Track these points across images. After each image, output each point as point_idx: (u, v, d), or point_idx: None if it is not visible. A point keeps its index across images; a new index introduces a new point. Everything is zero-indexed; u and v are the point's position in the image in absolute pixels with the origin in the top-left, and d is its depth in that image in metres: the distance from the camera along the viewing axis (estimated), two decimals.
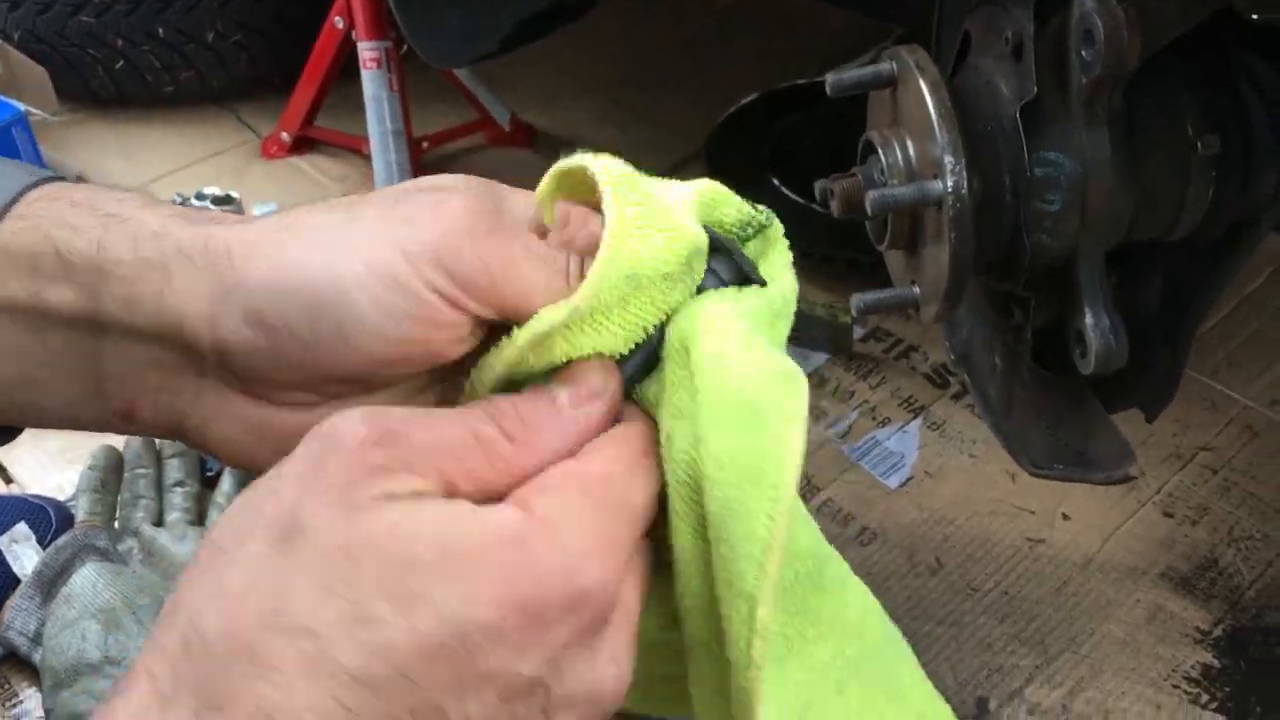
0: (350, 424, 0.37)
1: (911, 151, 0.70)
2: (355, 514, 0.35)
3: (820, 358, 1.23)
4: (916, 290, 0.73)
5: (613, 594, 0.38)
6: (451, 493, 0.37)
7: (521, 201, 0.43)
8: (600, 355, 0.42)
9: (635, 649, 0.39)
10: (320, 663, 0.33)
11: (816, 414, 1.17)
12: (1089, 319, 0.70)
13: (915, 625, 0.98)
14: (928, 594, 1.01)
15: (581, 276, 0.41)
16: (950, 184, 0.66)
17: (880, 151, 0.71)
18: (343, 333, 0.39)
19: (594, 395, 0.41)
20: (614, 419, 0.41)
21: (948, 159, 0.67)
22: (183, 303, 0.40)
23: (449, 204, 0.40)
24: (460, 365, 0.42)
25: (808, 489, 1.10)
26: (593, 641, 0.37)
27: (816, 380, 1.21)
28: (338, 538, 0.35)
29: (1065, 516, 1.07)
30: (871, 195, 0.68)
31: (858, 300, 0.73)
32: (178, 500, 1.03)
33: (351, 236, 0.39)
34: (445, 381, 0.44)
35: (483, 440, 0.38)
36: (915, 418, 1.17)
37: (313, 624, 0.34)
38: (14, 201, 0.41)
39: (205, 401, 0.42)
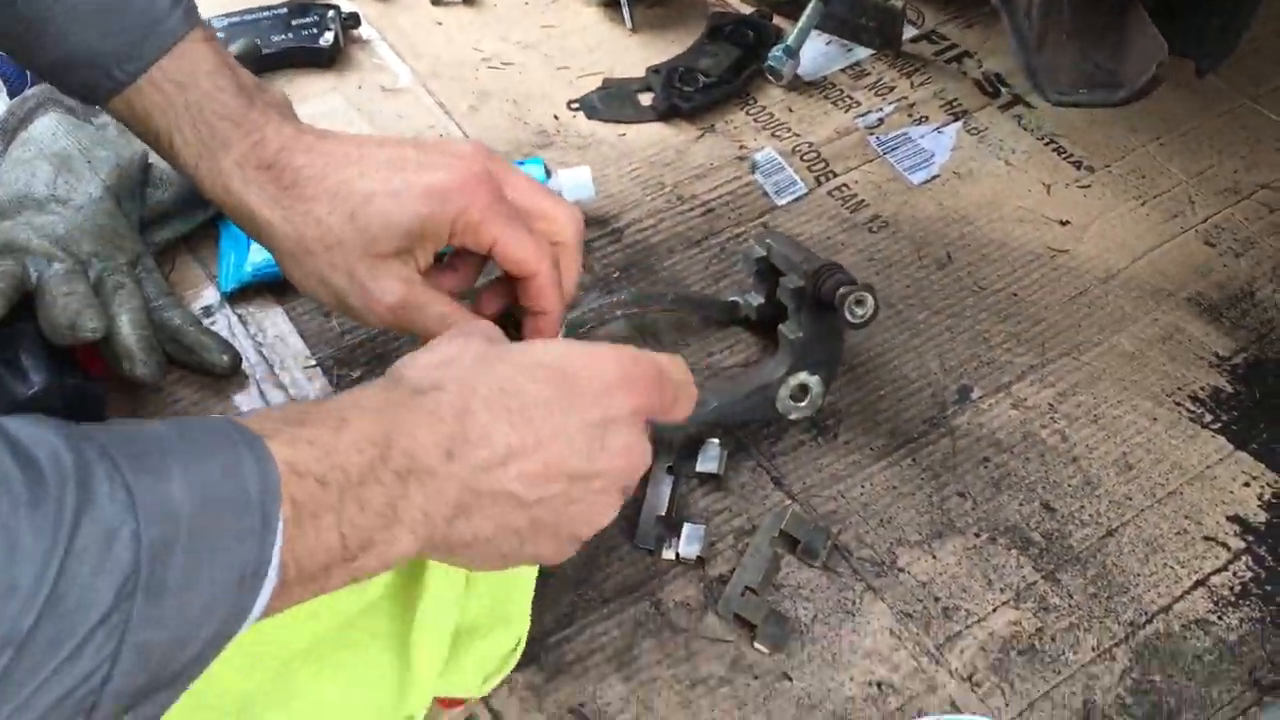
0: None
1: None
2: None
3: (864, 52, 1.13)
4: None
5: None
6: None
7: (513, 180, 0.68)
8: None
9: None
10: None
11: (848, 104, 1.09)
12: None
13: (910, 312, 0.92)
14: (930, 285, 0.94)
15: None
16: None
17: None
18: (367, 232, 0.64)
19: None
20: None
21: None
22: (257, 200, 0.66)
23: (447, 170, 0.64)
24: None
25: (824, 172, 1.02)
26: None
27: (856, 73, 1.11)
28: None
29: (1098, 233, 0.98)
30: None
31: None
32: None
33: (380, 176, 0.64)
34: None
35: None
36: (956, 121, 1.07)
37: None
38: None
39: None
